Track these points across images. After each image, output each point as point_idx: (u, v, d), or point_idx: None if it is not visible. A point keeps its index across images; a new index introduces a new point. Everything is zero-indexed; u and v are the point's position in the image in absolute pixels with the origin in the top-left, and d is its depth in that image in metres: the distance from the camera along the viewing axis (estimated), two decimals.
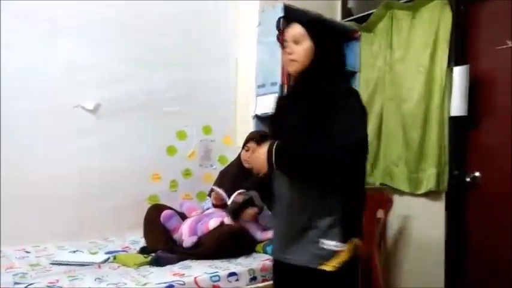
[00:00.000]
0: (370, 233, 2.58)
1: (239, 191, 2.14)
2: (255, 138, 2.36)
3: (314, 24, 1.47)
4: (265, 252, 2.19)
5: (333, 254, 1.33)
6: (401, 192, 2.83)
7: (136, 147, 2.66)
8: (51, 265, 1.89)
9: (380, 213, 2.69)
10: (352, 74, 3.18)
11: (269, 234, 2.27)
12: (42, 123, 2.34)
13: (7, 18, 2.23)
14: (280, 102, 1.59)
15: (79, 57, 2.46)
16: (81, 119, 2.48)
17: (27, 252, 2.09)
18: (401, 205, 2.83)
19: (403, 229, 2.86)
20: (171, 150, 2.81)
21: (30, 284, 1.61)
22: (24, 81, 2.29)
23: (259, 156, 1.36)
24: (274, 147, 1.33)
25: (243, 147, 2.45)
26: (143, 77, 2.69)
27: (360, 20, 3.17)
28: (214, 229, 2.10)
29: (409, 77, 2.77)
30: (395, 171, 2.85)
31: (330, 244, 1.33)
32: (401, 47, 2.84)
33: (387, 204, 2.71)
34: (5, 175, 2.20)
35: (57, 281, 1.67)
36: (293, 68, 1.45)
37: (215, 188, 2.28)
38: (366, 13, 3.10)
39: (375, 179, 2.99)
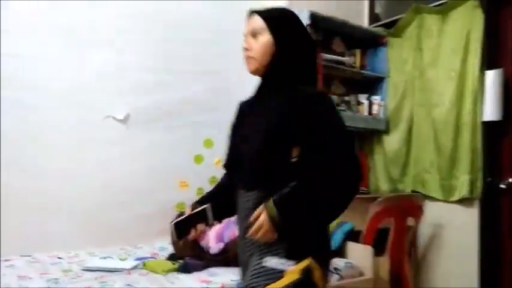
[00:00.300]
0: (400, 242, 2.52)
1: None
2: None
3: (275, 16, 1.22)
4: None
5: (279, 273, 1.09)
6: (432, 199, 2.76)
7: (165, 155, 2.70)
8: (82, 271, 1.95)
9: (411, 221, 2.63)
10: (381, 80, 3.13)
11: None
12: (74, 134, 2.41)
13: (39, 30, 2.32)
14: (242, 108, 1.39)
15: (109, 69, 2.53)
16: (112, 129, 2.54)
17: (60, 258, 2.16)
18: (432, 213, 2.75)
19: (435, 237, 2.78)
20: (198, 159, 2.83)
21: None
22: (57, 92, 2.37)
23: (264, 227, 1.07)
24: (274, 212, 1.06)
25: None
26: (171, 87, 2.74)
27: (388, 25, 3.13)
28: None
29: (440, 82, 2.71)
30: (427, 178, 2.78)
31: (271, 261, 1.10)
32: (431, 52, 2.78)
33: (418, 212, 2.64)
34: (38, 184, 2.28)
35: (89, 287, 1.70)
36: (251, 67, 1.24)
37: None
38: (394, 18, 3.06)
39: (405, 186, 2.92)
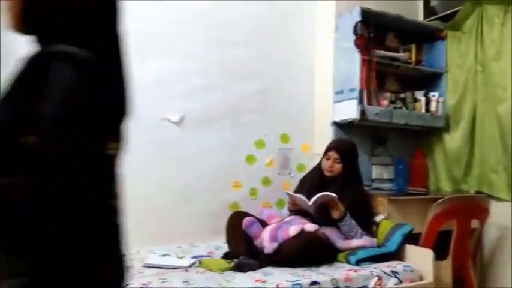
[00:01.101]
0: (464, 245, 2.39)
1: (322, 193, 2.14)
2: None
3: None
4: (348, 262, 2.13)
5: None
6: (499, 200, 2.59)
7: (218, 156, 2.75)
8: (143, 267, 2.02)
9: (475, 223, 2.48)
10: (439, 75, 3.00)
11: (352, 243, 2.21)
12: (133, 136, 2.50)
13: None
14: None
15: (164, 73, 2.62)
16: (167, 131, 2.63)
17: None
18: (499, 214, 2.58)
19: (502, 240, 2.61)
20: (250, 159, 2.86)
21: (126, 285, 1.72)
22: None
23: None
24: None
25: (323, 155, 2.43)
26: (224, 89, 2.78)
27: (445, 19, 2.99)
28: (295, 236, 2.09)
29: (504, 76, 2.54)
30: (494, 178, 2.62)
31: None
32: (494, 45, 2.63)
33: (483, 214, 2.49)
34: None
35: (149, 282, 1.77)
36: (10, 25, 0.89)
37: (290, 193, 2.29)
38: (452, 11, 2.92)
39: (469, 186, 2.77)
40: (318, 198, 2.16)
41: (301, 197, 2.22)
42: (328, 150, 2.41)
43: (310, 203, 2.17)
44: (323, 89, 2.98)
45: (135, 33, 2.50)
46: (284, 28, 3.01)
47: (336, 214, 2.20)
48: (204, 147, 2.71)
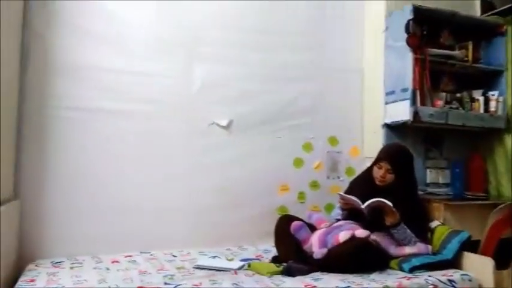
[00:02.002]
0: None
1: (377, 199, 2.08)
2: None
3: None
4: (401, 269, 2.06)
5: None
6: None
7: (266, 159, 2.76)
8: (194, 269, 2.06)
9: None
10: (498, 73, 2.83)
11: (405, 250, 2.14)
12: (184, 141, 2.59)
13: (147, 46, 2.54)
14: None
15: (213, 78, 2.67)
16: (216, 135, 2.67)
17: (174, 256, 2.33)
18: None
19: None
20: (298, 162, 2.84)
21: (178, 285, 1.78)
22: (168, 104, 2.56)
23: None
24: None
25: (375, 163, 2.33)
26: (271, 92, 2.79)
27: (504, 13, 2.82)
28: (345, 242, 2.05)
29: None
30: None
31: None
32: None
33: None
34: (154, 188, 2.49)
35: (200, 283, 1.81)
36: None
37: (341, 194, 2.24)
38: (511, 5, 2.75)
39: None
40: (371, 202, 2.10)
41: (354, 198, 2.17)
42: (379, 159, 2.30)
43: (363, 206, 2.11)
44: (373, 90, 2.91)
45: (184, 39, 2.61)
46: (332, 30, 2.98)
47: (389, 221, 2.13)
48: (252, 151, 2.73)
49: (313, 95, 2.90)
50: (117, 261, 2.18)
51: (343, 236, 2.07)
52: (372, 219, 2.14)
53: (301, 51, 2.88)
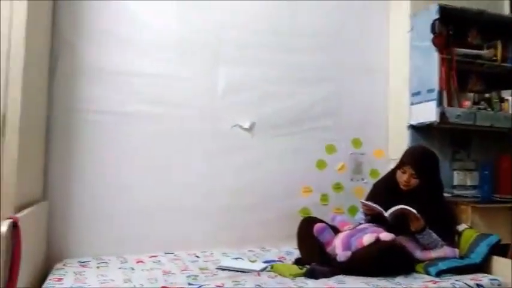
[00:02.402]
0: None
1: (401, 207, 2.03)
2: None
3: None
4: (427, 273, 2.01)
5: None
6: None
7: (288, 161, 2.76)
8: (217, 270, 2.08)
9: None
10: None
11: (431, 253, 2.09)
12: (205, 143, 2.61)
13: (171, 49, 2.57)
14: None
15: (236, 80, 2.69)
16: (239, 137, 2.68)
17: (197, 256, 2.35)
18: None
19: None
20: (320, 164, 2.83)
21: (201, 286, 1.79)
22: (194, 107, 2.59)
23: None
24: None
25: (398, 167, 2.27)
26: (294, 94, 2.79)
27: None
28: (369, 245, 2.02)
29: None
30: None
31: None
32: None
33: None
34: (178, 189, 2.52)
35: (223, 284, 1.81)
36: None
37: (364, 201, 2.20)
38: None
39: None
40: (395, 210, 2.06)
41: (377, 206, 2.13)
42: (403, 163, 2.24)
43: (387, 214, 2.07)
44: (398, 91, 2.87)
45: (207, 42, 2.64)
46: (356, 30, 2.95)
47: (414, 227, 2.08)
48: (275, 153, 2.73)
49: (337, 96, 2.88)
50: (141, 261, 2.21)
51: (367, 239, 2.05)
52: (396, 226, 2.09)
53: (324, 52, 2.87)
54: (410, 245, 2.10)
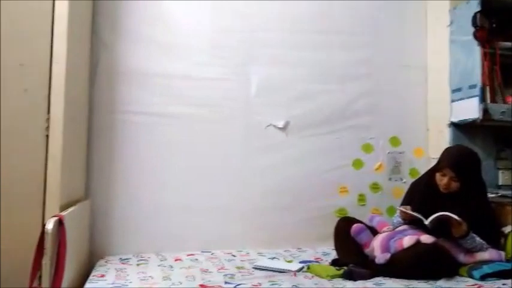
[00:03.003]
0: None
1: (441, 214, 1.96)
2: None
3: None
4: (470, 276, 1.93)
5: None
6: None
7: (323, 161, 2.73)
8: (253, 269, 2.08)
9: None
10: None
11: (476, 256, 2.00)
12: (240, 143, 2.63)
13: (205, 51, 2.60)
14: None
15: (270, 80, 2.69)
16: (273, 137, 2.68)
17: (233, 256, 2.36)
18: None
19: None
20: (357, 164, 2.78)
21: (238, 285, 1.80)
22: (227, 107, 2.61)
23: None
24: None
25: (437, 169, 2.17)
26: (329, 92, 2.76)
27: None
28: (409, 247, 1.96)
29: None
30: None
31: None
32: None
33: None
34: (215, 188, 2.55)
35: (260, 284, 1.82)
36: None
37: (402, 209, 2.13)
38: None
39: None
40: (436, 217, 1.98)
41: (416, 214, 2.05)
42: (442, 166, 2.14)
43: (427, 222, 1.99)
44: (438, 87, 2.78)
45: (240, 42, 2.65)
46: (391, 26, 2.88)
47: (456, 233, 1.99)
48: (309, 152, 2.71)
49: (373, 94, 2.82)
50: (179, 259, 2.26)
51: (407, 241, 1.99)
52: (437, 231, 2.01)
53: (359, 49, 2.82)
54: (452, 248, 2.02)
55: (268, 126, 2.68)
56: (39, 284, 1.61)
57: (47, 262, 1.60)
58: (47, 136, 1.88)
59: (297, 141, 2.71)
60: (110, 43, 2.49)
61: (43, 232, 1.63)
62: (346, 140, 2.76)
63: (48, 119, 1.88)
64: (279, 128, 2.69)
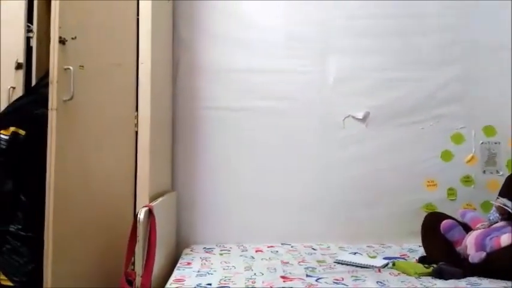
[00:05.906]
0: None
1: None
2: None
3: None
4: None
5: None
6: None
7: (408, 152, 2.59)
8: (335, 263, 2.05)
9: None
10: None
11: None
12: (318, 135, 2.59)
13: (281, 45, 2.60)
14: None
15: (347, 70, 2.61)
16: (353, 128, 2.60)
17: (314, 249, 2.34)
18: None
19: None
20: (446, 155, 2.59)
21: (319, 278, 1.79)
22: (303, 100, 2.59)
23: None
24: None
25: None
26: (412, 81, 2.62)
27: None
28: (508, 246, 1.79)
29: None
30: None
31: None
32: None
33: None
34: (292, 181, 2.54)
35: (342, 279, 1.79)
36: None
37: (499, 200, 1.95)
38: None
39: None
40: None
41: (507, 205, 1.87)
42: None
43: None
44: None
45: (316, 33, 2.60)
46: (478, 4, 2.63)
47: None
48: (392, 144, 2.59)
49: (463, 80, 2.61)
50: (260, 251, 2.29)
51: (505, 239, 1.82)
52: None
53: (446, 32, 2.63)
54: None
55: (347, 117, 2.60)
56: (133, 269, 1.74)
57: (139, 249, 1.72)
58: (136, 132, 2.01)
59: (378, 132, 2.60)
60: (189, 41, 2.59)
61: (135, 221, 1.75)
62: (434, 131, 2.60)
63: (136, 116, 2.01)
64: (358, 119, 2.61)
